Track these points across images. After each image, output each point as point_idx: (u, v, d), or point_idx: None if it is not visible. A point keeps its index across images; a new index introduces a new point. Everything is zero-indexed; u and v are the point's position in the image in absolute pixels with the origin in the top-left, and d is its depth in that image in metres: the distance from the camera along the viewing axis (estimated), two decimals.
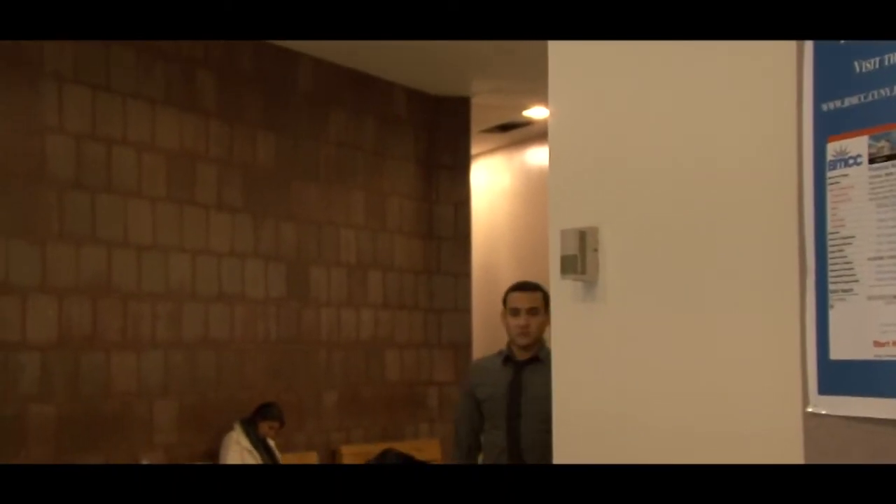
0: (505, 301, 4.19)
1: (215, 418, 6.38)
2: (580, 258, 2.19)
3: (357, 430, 7.48)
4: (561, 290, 2.29)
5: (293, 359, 7.04)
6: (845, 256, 1.65)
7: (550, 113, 2.41)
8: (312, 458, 7.03)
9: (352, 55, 7.14)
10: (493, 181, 10.22)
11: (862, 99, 1.64)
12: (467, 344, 8.27)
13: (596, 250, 2.20)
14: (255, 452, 6.23)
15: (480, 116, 8.55)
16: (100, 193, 5.85)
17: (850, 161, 1.65)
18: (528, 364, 4.09)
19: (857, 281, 1.63)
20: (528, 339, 4.08)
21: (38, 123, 5.58)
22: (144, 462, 5.94)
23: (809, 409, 1.71)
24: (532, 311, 4.08)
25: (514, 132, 9.46)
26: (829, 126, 1.69)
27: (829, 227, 1.67)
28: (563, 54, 2.32)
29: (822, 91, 1.70)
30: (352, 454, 7.18)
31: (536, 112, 8.56)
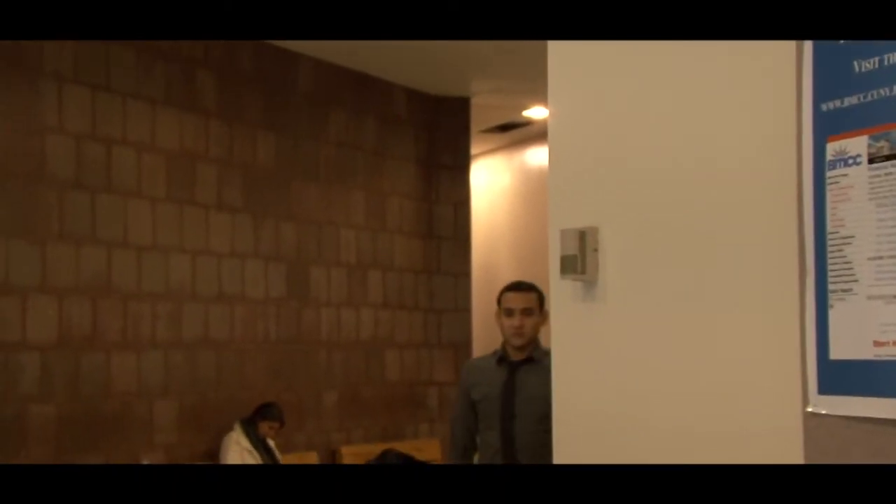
0: (499, 301, 4.16)
1: (215, 418, 6.38)
2: (580, 258, 2.19)
3: (357, 431, 7.48)
4: (561, 290, 2.29)
5: (293, 359, 7.04)
6: (845, 256, 1.65)
7: (550, 113, 2.41)
8: (312, 459, 7.03)
9: (352, 55, 7.14)
10: (493, 181, 10.22)
11: (861, 99, 1.64)
12: (467, 344, 8.27)
13: (596, 250, 2.20)
14: (255, 453, 6.23)
15: (480, 116, 8.55)
16: (100, 193, 5.85)
17: (850, 161, 1.65)
18: (522, 364, 4.06)
19: (856, 281, 1.63)
20: (522, 339, 4.05)
21: (38, 123, 5.58)
22: (145, 462, 5.94)
23: (809, 409, 1.71)
24: (526, 312, 4.05)
25: (514, 132, 9.46)
26: (828, 126, 1.69)
27: (829, 227, 1.67)
28: (563, 54, 2.32)
29: (822, 91, 1.70)
30: (352, 454, 7.18)
31: (536, 112, 8.56)
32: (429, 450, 7.52)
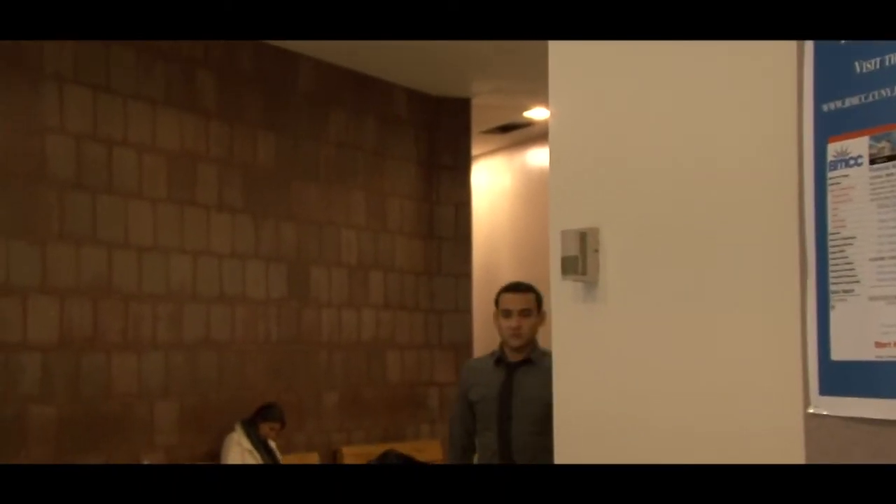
0: (497, 302, 4.14)
1: (216, 419, 6.38)
2: (581, 259, 2.19)
3: (358, 431, 7.48)
4: (561, 291, 2.29)
5: (294, 359, 7.04)
6: (846, 257, 1.64)
7: (551, 113, 2.40)
8: (313, 459, 7.03)
9: (352, 55, 7.13)
10: (494, 182, 10.22)
11: (862, 99, 1.64)
12: (468, 345, 8.27)
13: (596, 251, 2.19)
14: (255, 453, 6.23)
15: (481, 117, 8.55)
16: (100, 194, 5.85)
17: (851, 161, 1.64)
18: (520, 366, 4.05)
19: (857, 282, 1.62)
20: (520, 340, 4.04)
21: (39, 124, 5.58)
22: (145, 463, 5.94)
23: (810, 410, 1.71)
24: (524, 313, 4.04)
25: (515, 133, 9.46)
26: (829, 126, 1.69)
27: (830, 228, 1.67)
28: (563, 54, 2.32)
29: (823, 91, 1.70)
30: (353, 455, 7.18)
31: (537, 113, 8.56)
32: (429, 450, 7.52)
